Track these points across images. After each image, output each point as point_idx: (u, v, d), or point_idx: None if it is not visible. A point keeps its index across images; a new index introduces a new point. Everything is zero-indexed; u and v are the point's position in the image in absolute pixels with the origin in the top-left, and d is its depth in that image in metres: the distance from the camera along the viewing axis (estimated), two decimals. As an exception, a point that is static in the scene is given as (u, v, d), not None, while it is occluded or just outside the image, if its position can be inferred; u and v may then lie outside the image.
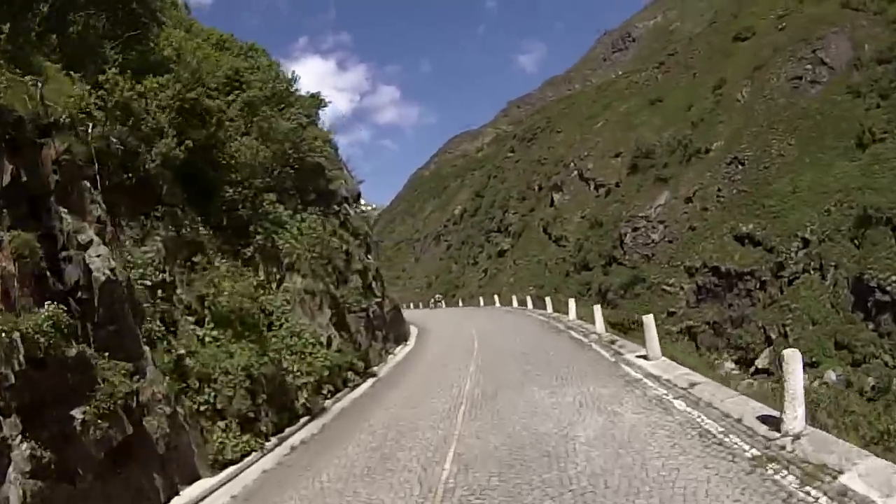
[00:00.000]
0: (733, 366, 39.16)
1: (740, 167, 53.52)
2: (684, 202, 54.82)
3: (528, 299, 44.83)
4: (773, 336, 39.91)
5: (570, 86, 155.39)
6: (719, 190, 52.91)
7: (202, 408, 12.93)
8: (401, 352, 31.95)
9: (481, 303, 58.28)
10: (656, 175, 60.51)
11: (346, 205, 30.54)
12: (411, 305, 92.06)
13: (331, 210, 27.28)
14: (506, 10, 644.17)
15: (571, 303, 32.25)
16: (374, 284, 31.23)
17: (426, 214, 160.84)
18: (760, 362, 38.83)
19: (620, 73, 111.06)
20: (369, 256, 32.95)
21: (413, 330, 41.34)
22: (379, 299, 31.10)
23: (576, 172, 76.08)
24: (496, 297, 54.12)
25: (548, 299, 38.79)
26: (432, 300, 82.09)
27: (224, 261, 16.95)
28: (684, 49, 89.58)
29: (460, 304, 70.21)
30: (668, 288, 49.21)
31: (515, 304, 47.40)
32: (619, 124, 78.77)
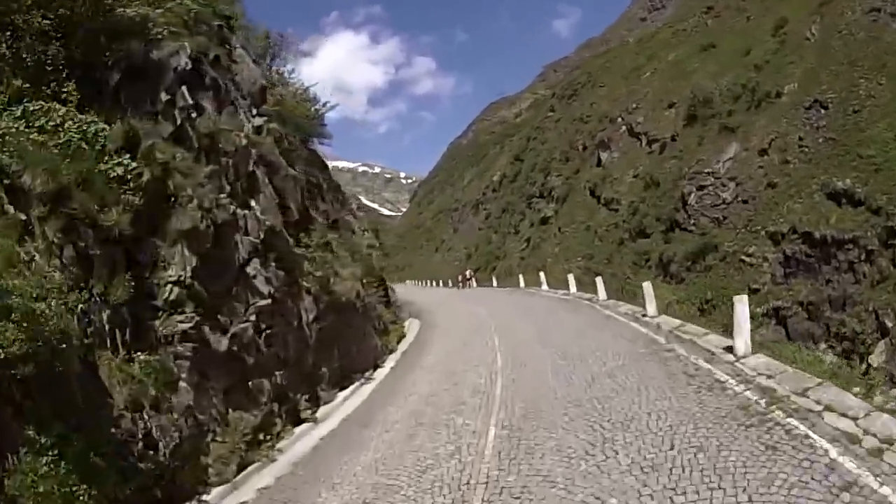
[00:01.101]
0: (834, 359, 28.39)
1: (823, 111, 43.83)
2: (758, 154, 45.27)
3: (600, 284, 31.35)
4: (889, 323, 30.03)
5: (607, 46, 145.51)
6: (801, 138, 43.29)
7: None
8: (332, 415, 17.28)
9: (521, 282, 49.65)
10: (721, 124, 50.89)
11: (183, 89, 14.15)
12: (440, 283, 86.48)
13: (155, 105, 13.19)
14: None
15: (741, 308, 14.58)
16: (265, 266, 15.64)
17: (465, 183, 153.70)
18: (875, 359, 28.31)
19: (662, 25, 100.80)
20: (254, 205, 16.45)
21: (412, 329, 32.72)
22: (268, 300, 15.25)
23: (624, 127, 66.78)
24: (542, 274, 44.49)
25: (647, 289, 22.80)
26: (460, 277, 72.50)
27: None
28: (735, -8, 79.94)
29: (494, 283, 61.79)
30: (747, 258, 39.97)
31: (573, 287, 35.64)
32: (669, 73, 69.25)
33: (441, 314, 37.14)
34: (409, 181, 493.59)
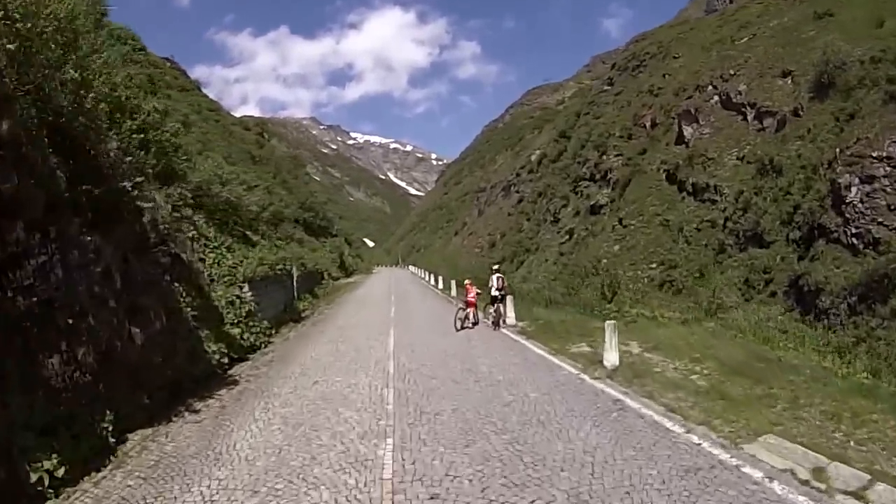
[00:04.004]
0: None
1: None
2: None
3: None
4: None
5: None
6: None
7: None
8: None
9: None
10: (888, 92, 32.79)
11: None
12: (438, 281, 53.82)
13: None
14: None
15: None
16: None
17: (496, 166, 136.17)
18: None
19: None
20: None
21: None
22: None
23: (716, 97, 48.51)
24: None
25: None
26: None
27: None
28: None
29: (509, 318, 23.58)
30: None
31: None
32: (776, 40, 50.87)
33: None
34: (440, 163, 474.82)
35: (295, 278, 32.78)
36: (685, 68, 62.09)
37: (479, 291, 23.66)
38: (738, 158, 40.66)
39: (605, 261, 42.99)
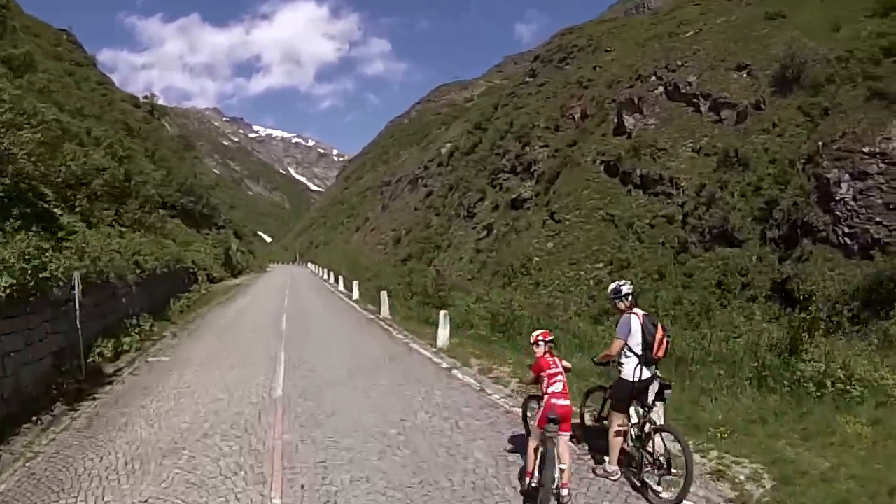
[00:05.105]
0: None
1: None
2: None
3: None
4: None
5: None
6: None
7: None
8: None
9: None
10: (870, 89, 29.59)
11: None
12: (353, 288, 32.03)
13: None
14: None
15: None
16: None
17: (401, 160, 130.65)
18: None
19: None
20: None
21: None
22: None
23: (661, 88, 44.64)
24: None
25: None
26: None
27: None
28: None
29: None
30: None
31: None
32: (726, 35, 47.77)
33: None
34: (342, 159, 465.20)
35: (78, 298, 12.52)
36: (618, 61, 58.55)
37: (567, 367, 6.70)
38: (693, 150, 36.73)
39: (536, 259, 38.09)
